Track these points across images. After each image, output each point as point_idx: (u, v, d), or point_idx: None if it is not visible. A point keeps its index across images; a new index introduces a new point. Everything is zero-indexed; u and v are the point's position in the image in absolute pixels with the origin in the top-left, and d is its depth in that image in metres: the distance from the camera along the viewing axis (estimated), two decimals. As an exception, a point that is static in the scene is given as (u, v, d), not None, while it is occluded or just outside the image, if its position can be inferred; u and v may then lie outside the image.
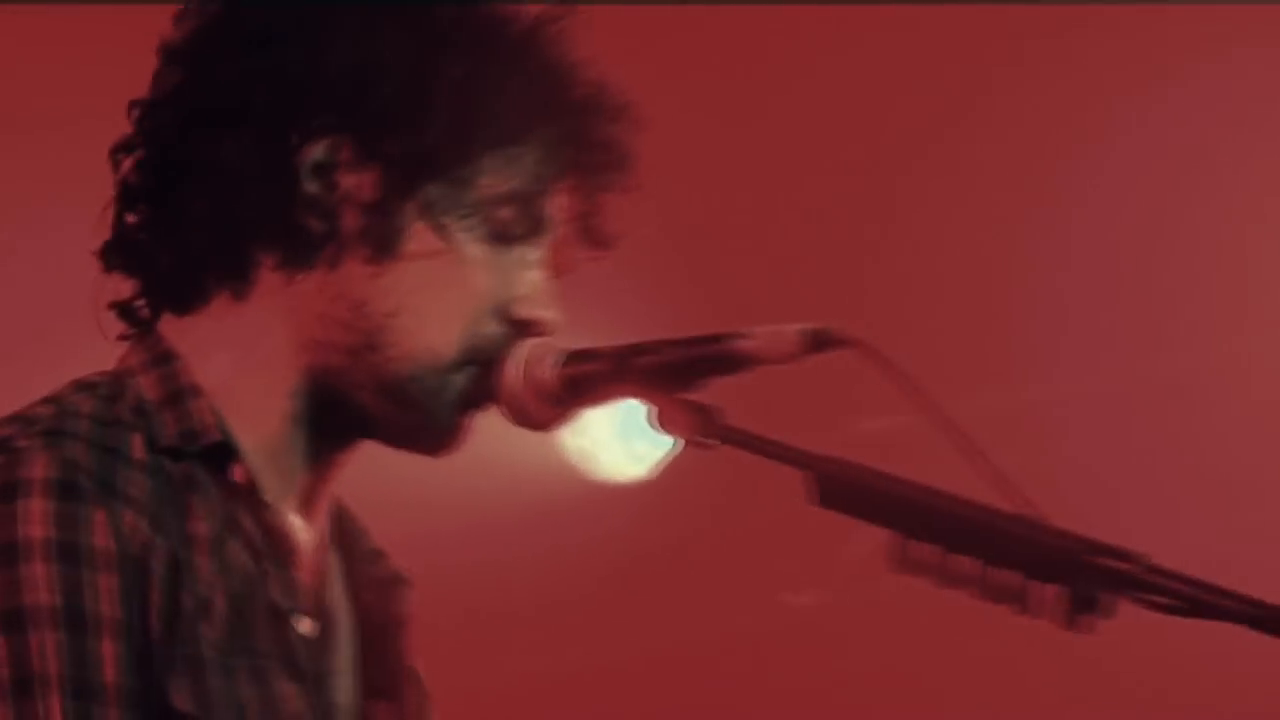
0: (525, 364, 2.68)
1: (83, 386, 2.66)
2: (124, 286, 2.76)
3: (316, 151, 2.66)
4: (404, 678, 2.85)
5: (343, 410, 2.70)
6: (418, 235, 2.67)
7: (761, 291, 6.16)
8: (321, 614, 2.72)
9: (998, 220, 6.08)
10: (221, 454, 2.63)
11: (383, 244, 2.66)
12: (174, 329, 2.72)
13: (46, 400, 2.62)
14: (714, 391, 2.61)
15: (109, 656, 2.43)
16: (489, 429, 2.76)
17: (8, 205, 5.59)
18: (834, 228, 6.27)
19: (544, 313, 2.73)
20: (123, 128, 2.75)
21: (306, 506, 2.74)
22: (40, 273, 5.12)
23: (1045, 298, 6.20)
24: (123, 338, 2.76)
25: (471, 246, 2.69)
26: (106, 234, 2.75)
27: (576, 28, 2.75)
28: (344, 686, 2.74)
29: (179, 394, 2.65)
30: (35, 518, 2.44)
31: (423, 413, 2.69)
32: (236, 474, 2.64)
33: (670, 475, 6.55)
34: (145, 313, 2.75)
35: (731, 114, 5.94)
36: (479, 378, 2.69)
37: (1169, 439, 6.40)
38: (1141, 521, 5.89)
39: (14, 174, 5.53)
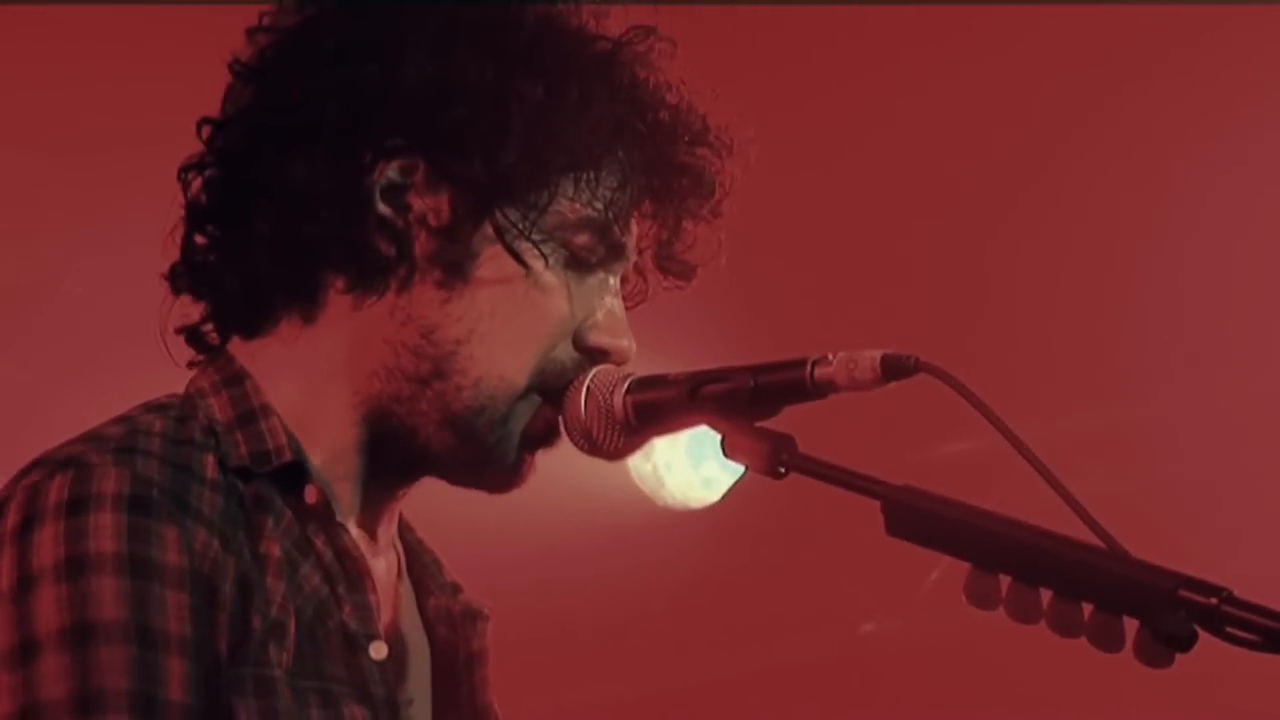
0: (593, 392, 2.65)
1: (154, 408, 2.64)
2: (192, 309, 2.75)
3: (389, 172, 2.63)
4: (480, 713, 2.81)
5: (405, 443, 2.66)
6: (491, 260, 2.64)
7: (854, 315, 6.13)
8: (394, 640, 2.69)
9: (1106, 237, 6.01)
10: (294, 474, 2.61)
11: (455, 268, 2.63)
12: (244, 351, 2.70)
13: (117, 420, 2.61)
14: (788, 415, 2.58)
15: (176, 674, 2.40)
16: (556, 451, 2.73)
17: (75, 226, 5.61)
18: (937, 250, 6.22)
19: (619, 341, 2.70)
20: (191, 148, 2.73)
21: (370, 533, 2.72)
22: (108, 294, 5.13)
23: (1157, 314, 6.12)
24: (192, 364, 2.74)
25: (546, 272, 2.66)
26: (173, 256, 2.74)
27: (658, 50, 2.72)
28: (416, 716, 2.70)
29: (250, 414, 2.63)
30: (106, 531, 2.42)
31: (486, 449, 2.66)
32: (309, 495, 2.61)
33: (738, 500, 6.52)
34: (213, 337, 2.74)
35: (819, 135, 5.91)
36: (545, 407, 2.67)
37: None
38: (1252, 538, 5.84)
39: (82, 195, 5.55)
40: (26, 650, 2.38)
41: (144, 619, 2.40)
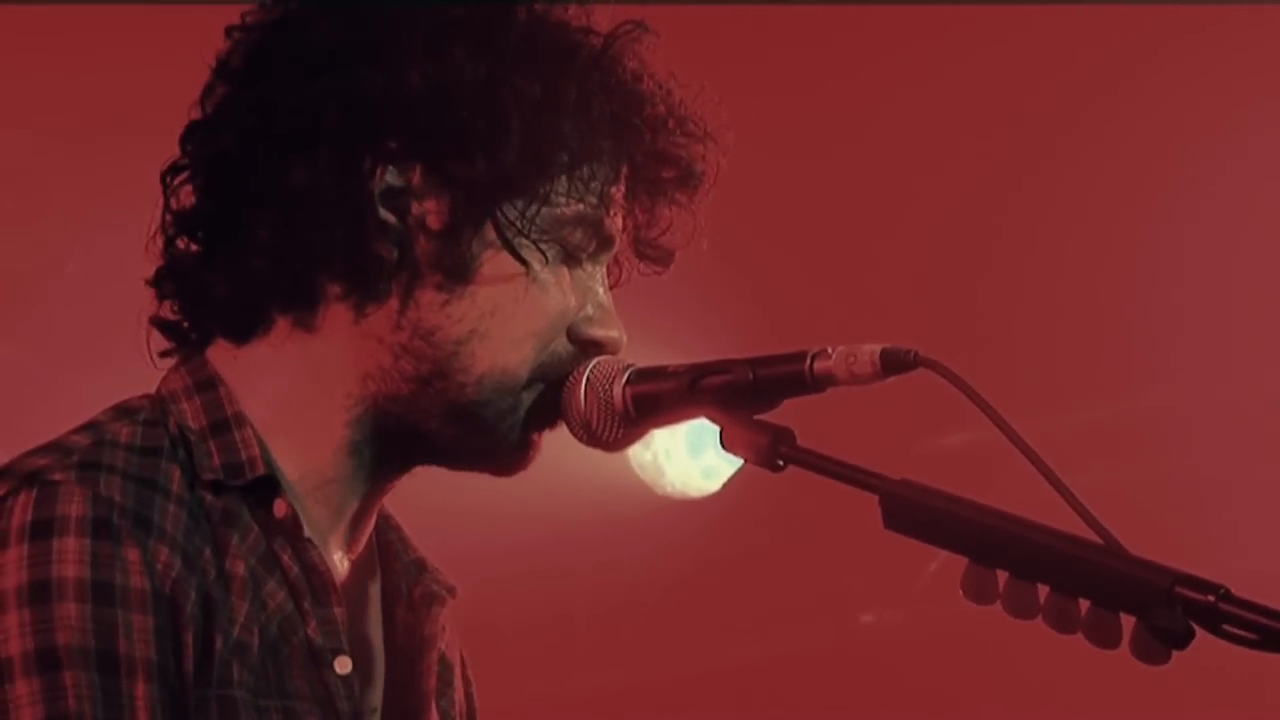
0: (593, 383, 2.65)
1: (122, 412, 2.63)
2: (173, 306, 2.72)
3: (389, 177, 2.61)
4: (425, 700, 2.78)
5: (407, 439, 2.66)
6: (490, 260, 2.63)
7: (854, 307, 6.13)
8: (359, 649, 2.67)
9: (1107, 229, 6.00)
10: (264, 487, 2.60)
11: (456, 271, 2.62)
12: (222, 354, 2.68)
13: (85, 427, 2.59)
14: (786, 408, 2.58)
15: (142, 699, 2.40)
16: (554, 440, 2.73)
17: (78, 210, 5.61)
18: (937, 242, 6.22)
19: (611, 332, 2.70)
20: (174, 137, 2.70)
21: (353, 533, 2.71)
22: (105, 279, 5.13)
23: (1158, 308, 6.11)
24: (165, 354, 2.72)
25: (544, 269, 2.65)
26: (158, 253, 2.71)
27: (647, 45, 2.71)
28: None
29: (224, 423, 2.62)
30: (70, 556, 2.41)
31: (493, 435, 2.65)
32: (278, 509, 2.60)
33: (738, 490, 6.52)
34: (193, 334, 2.71)
35: (821, 126, 5.90)
36: (546, 395, 2.66)
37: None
38: (1253, 535, 5.84)
39: (85, 179, 5.55)
40: None
41: (109, 645, 2.40)
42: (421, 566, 2.84)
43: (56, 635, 2.38)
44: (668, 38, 2.72)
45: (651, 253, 2.81)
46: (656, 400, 2.63)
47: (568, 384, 2.66)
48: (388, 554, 2.81)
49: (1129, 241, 6.01)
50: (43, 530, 2.43)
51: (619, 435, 2.66)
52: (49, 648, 2.38)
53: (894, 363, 2.48)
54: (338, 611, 2.61)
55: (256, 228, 2.63)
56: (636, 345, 2.74)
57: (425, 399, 2.64)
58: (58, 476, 2.47)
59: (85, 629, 2.39)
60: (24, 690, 2.37)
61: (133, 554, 2.44)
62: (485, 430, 2.65)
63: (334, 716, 2.57)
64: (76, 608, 2.40)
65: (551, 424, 2.69)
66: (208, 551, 2.52)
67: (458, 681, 2.87)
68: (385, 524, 2.83)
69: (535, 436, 2.69)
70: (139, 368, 2.75)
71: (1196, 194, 5.87)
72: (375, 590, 2.77)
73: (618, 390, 2.64)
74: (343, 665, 2.59)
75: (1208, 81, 5.71)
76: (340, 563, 2.68)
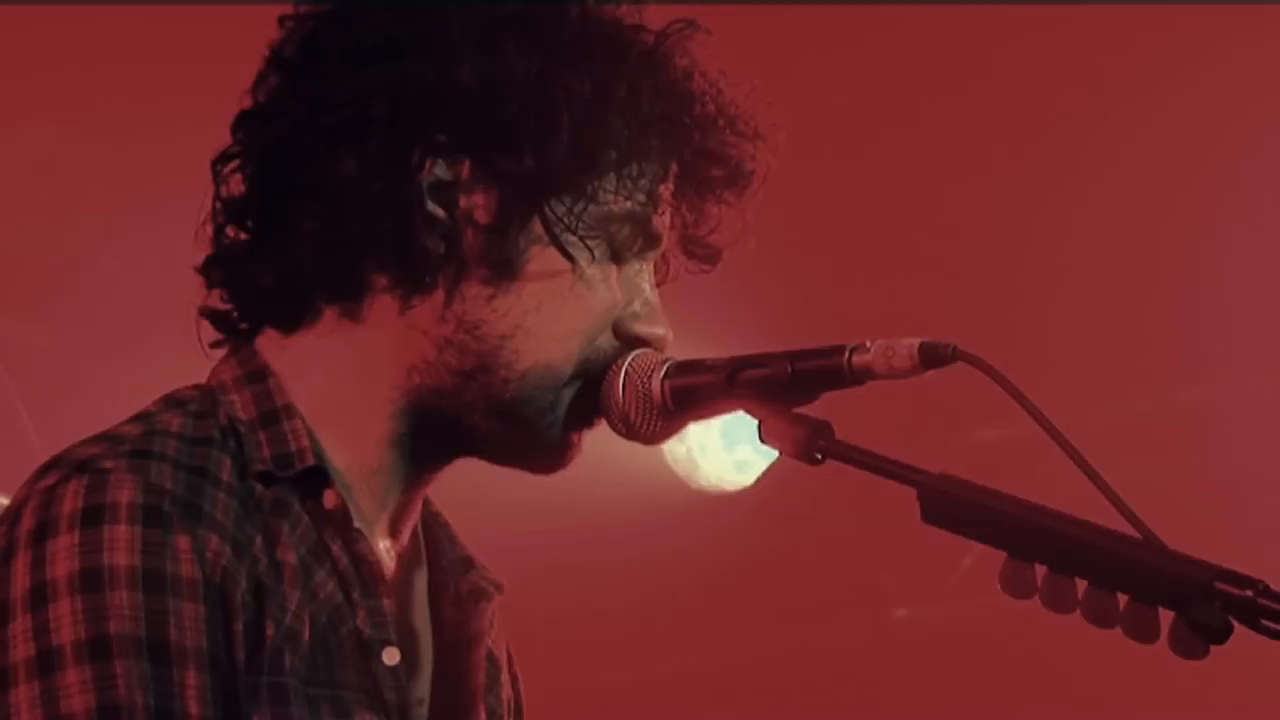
0: (631, 376, 2.65)
1: (173, 403, 2.64)
2: (222, 295, 2.73)
3: (437, 170, 2.61)
4: (475, 696, 2.78)
5: (449, 432, 2.66)
6: (537, 255, 2.63)
7: (893, 301, 6.12)
8: (407, 640, 2.68)
9: (1149, 222, 5.98)
10: (314, 478, 2.60)
11: (503, 265, 2.62)
12: (271, 344, 2.69)
13: (136, 418, 2.60)
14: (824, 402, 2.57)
15: (192, 687, 2.41)
16: (592, 434, 2.73)
17: (114, 201, 5.63)
18: (977, 235, 6.20)
19: (657, 329, 2.70)
20: (224, 128, 2.71)
21: (396, 525, 2.71)
22: (142, 271, 5.15)
23: (1201, 301, 6.08)
24: (215, 345, 2.72)
25: (591, 266, 2.65)
26: (205, 247, 2.72)
27: (698, 43, 2.70)
28: (426, 715, 2.69)
29: (274, 414, 2.62)
30: (121, 544, 2.42)
31: (534, 432, 2.65)
32: (328, 500, 2.60)
33: (773, 484, 6.52)
34: (243, 324, 2.72)
35: (859, 121, 5.89)
36: (586, 392, 2.66)
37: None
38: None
39: (122, 171, 5.57)
40: (46, 661, 2.39)
41: (160, 634, 2.41)
42: (469, 563, 2.84)
43: (109, 624, 2.38)
44: (714, 36, 2.71)
45: (699, 251, 2.81)
46: (695, 393, 2.63)
47: (606, 377, 2.66)
48: (435, 550, 2.81)
49: (1168, 236, 5.99)
50: (93, 517, 2.43)
51: (657, 428, 2.66)
52: (101, 636, 2.38)
53: (932, 357, 2.48)
54: (386, 603, 2.61)
55: (304, 218, 2.64)
56: (674, 339, 2.74)
57: (468, 393, 2.64)
58: (108, 465, 2.47)
59: (137, 618, 2.39)
60: (75, 678, 2.37)
61: (183, 542, 2.44)
62: (526, 427, 2.65)
63: (381, 707, 2.57)
64: (128, 596, 2.40)
65: (591, 424, 2.69)
66: (259, 540, 2.52)
67: (504, 677, 2.88)
68: (434, 521, 2.84)
69: (575, 436, 2.69)
70: (174, 359, 2.76)
71: (1240, 189, 5.84)
72: (421, 583, 2.77)
73: (656, 383, 2.64)
74: (390, 656, 2.59)
75: (1257, 75, 5.69)
76: (386, 553, 2.69)
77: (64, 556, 2.41)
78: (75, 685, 2.37)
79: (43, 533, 2.43)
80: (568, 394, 2.66)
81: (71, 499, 2.44)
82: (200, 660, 2.42)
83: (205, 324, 2.74)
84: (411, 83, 2.60)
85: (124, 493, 2.44)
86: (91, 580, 2.40)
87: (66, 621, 2.39)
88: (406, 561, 2.74)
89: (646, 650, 6.87)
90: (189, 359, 2.74)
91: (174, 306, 2.75)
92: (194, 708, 2.40)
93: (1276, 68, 5.69)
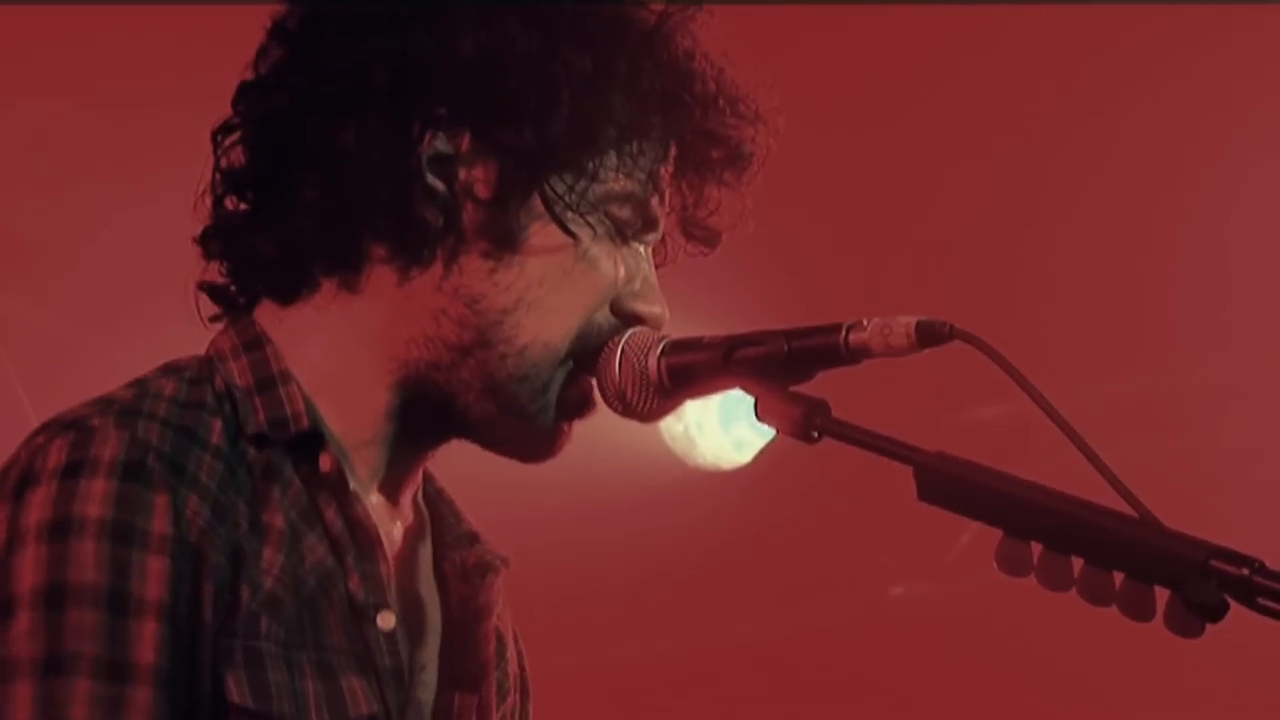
0: (628, 354, 2.65)
1: (170, 370, 2.64)
2: (220, 267, 2.73)
3: (437, 142, 2.62)
4: (486, 668, 2.78)
5: (443, 408, 2.66)
6: (539, 230, 2.63)
7: (889, 279, 6.12)
8: (408, 607, 2.68)
9: (1148, 201, 5.98)
10: (310, 442, 2.60)
11: (503, 239, 2.62)
12: (269, 314, 2.69)
13: (132, 383, 2.61)
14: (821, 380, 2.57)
15: (148, 637, 2.41)
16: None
17: (113, 176, 5.62)
18: (974, 214, 6.20)
19: (655, 308, 2.70)
20: (223, 103, 2.71)
21: (393, 497, 2.71)
22: (140, 247, 5.14)
23: (1199, 280, 6.08)
24: (215, 319, 2.73)
25: (591, 242, 2.66)
26: (204, 218, 2.72)
27: (701, 23, 2.70)
28: (429, 681, 2.70)
29: (270, 380, 2.62)
30: (95, 496, 2.42)
31: (526, 418, 2.65)
32: (324, 463, 2.60)
33: (770, 462, 6.52)
34: (241, 298, 2.72)
35: (858, 101, 5.89)
36: (577, 380, 2.66)
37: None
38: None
39: (120, 146, 5.57)
40: (4, 608, 2.40)
41: (122, 584, 2.41)
42: (474, 538, 2.83)
43: (68, 572, 2.39)
44: (716, 18, 2.71)
45: (698, 233, 2.81)
46: (691, 371, 2.63)
47: (602, 355, 2.66)
48: (440, 525, 2.82)
49: (1165, 214, 5.99)
50: (74, 470, 2.44)
51: (654, 406, 2.66)
52: (58, 583, 2.39)
53: (929, 335, 2.48)
54: (383, 567, 2.61)
55: (304, 188, 2.64)
56: (670, 317, 2.74)
57: (464, 370, 2.64)
58: (95, 422, 2.48)
59: (100, 567, 2.40)
60: (25, 626, 2.38)
61: (160, 499, 2.45)
62: (517, 409, 2.65)
63: (372, 671, 2.56)
64: (94, 545, 2.40)
65: (582, 414, 2.69)
66: (242, 504, 2.52)
67: (510, 653, 2.88)
68: (438, 496, 2.84)
69: (566, 426, 2.69)
70: (172, 334, 2.76)
71: (1239, 167, 5.84)
72: (426, 554, 2.77)
73: (653, 361, 2.64)
74: (385, 620, 2.59)
75: (1259, 54, 5.69)
76: (390, 524, 2.69)
77: (39, 507, 2.43)
78: (24, 633, 2.38)
79: (24, 486, 2.45)
80: (560, 375, 2.66)
81: (56, 454, 2.46)
82: (159, 612, 2.41)
83: (204, 298, 2.74)
84: (412, 55, 2.60)
85: (108, 448, 2.45)
86: (59, 529, 2.41)
87: (29, 568, 2.40)
88: (410, 533, 2.74)
89: (643, 628, 6.88)
90: (187, 334, 2.74)
91: (172, 282, 2.75)
92: (148, 656, 2.40)
93: (1277, 45, 5.69)
